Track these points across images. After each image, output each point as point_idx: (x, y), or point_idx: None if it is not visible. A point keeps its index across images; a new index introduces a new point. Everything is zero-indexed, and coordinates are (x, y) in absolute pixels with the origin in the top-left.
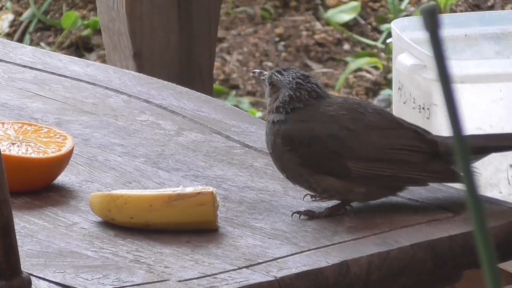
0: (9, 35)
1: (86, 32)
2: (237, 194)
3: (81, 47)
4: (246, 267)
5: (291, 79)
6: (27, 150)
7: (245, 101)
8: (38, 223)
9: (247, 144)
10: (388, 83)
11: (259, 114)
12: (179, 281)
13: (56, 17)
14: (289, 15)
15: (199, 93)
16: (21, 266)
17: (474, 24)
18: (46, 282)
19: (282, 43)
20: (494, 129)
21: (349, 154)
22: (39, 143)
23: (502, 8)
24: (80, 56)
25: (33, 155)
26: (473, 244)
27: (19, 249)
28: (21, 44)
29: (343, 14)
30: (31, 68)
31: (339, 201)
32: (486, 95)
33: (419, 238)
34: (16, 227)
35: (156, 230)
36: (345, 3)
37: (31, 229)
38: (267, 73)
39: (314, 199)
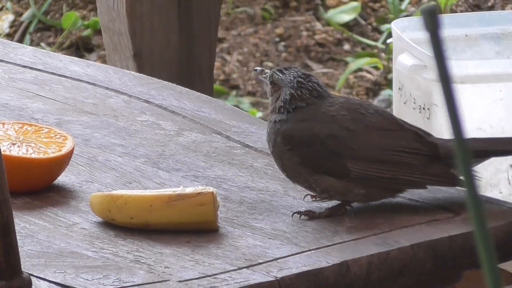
0: (9, 36)
1: (86, 32)
2: (238, 194)
3: (81, 48)
4: (247, 267)
5: (292, 78)
6: (27, 150)
7: (246, 101)
8: (39, 224)
9: (247, 144)
10: (389, 83)
11: (259, 114)
12: (180, 281)
13: (56, 17)
14: (289, 15)
15: (199, 93)
16: (22, 266)
17: (475, 24)
18: (47, 283)
19: (283, 43)
20: (494, 129)
21: (348, 155)
22: (40, 144)
23: (502, 8)
24: (81, 56)
25: (33, 156)
26: (473, 244)
27: (20, 249)
28: (21, 44)
29: (343, 15)
30: (31, 68)
31: (339, 202)
32: (486, 95)
33: (419, 238)
34: (16, 227)
35: (156, 230)
36: (345, 3)
37: (31, 230)
38: (268, 71)
39: (314, 199)
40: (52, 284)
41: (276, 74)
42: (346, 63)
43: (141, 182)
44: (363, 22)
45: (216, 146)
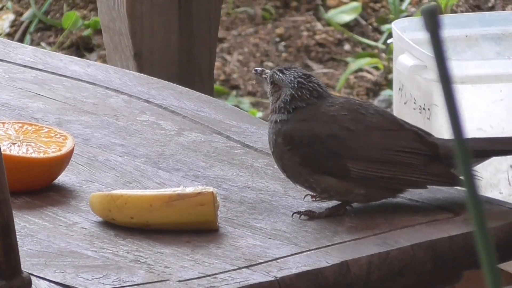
0: (9, 35)
1: (86, 32)
2: (238, 194)
3: (81, 47)
4: (246, 267)
5: (292, 78)
6: (27, 150)
7: (246, 101)
8: (39, 223)
9: (247, 144)
10: (389, 84)
11: (259, 114)
12: (179, 281)
13: (56, 17)
14: (289, 16)
15: (199, 93)
16: (21, 266)
17: (475, 24)
18: (46, 282)
19: (283, 43)
20: (495, 129)
21: (348, 155)
22: (40, 143)
23: (503, 8)
24: (81, 56)
25: (33, 155)
26: (473, 245)
27: (19, 249)
28: (21, 44)
29: (343, 15)
30: (31, 68)
31: (339, 202)
32: (486, 95)
33: (419, 238)
34: (16, 227)
35: (156, 230)
36: (345, 3)
37: (31, 229)
38: (269, 71)
39: (314, 199)
40: (52, 284)
41: (277, 74)
42: (346, 63)
43: (141, 182)
44: (363, 22)
45: (216, 146)
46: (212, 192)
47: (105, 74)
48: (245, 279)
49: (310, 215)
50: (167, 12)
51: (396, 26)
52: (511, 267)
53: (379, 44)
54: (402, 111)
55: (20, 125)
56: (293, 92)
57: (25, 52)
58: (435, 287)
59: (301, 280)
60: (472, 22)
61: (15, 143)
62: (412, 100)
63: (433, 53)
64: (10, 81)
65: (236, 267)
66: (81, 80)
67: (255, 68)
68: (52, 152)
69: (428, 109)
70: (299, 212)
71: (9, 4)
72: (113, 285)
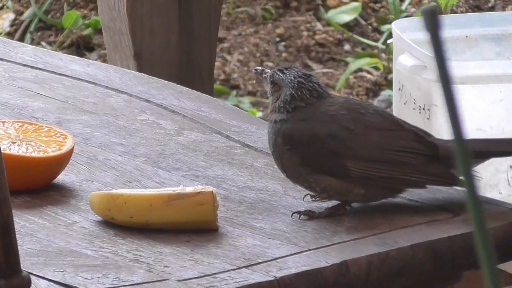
0: (10, 34)
1: (87, 31)
2: (237, 194)
3: (82, 47)
4: (246, 267)
5: (292, 78)
6: (27, 149)
7: (246, 101)
8: (38, 222)
9: (247, 144)
10: (389, 84)
11: (259, 114)
12: (179, 280)
13: (57, 16)
14: (289, 16)
15: (199, 92)
16: (21, 265)
17: (475, 25)
18: (46, 281)
19: (283, 43)
20: (494, 130)
21: (348, 154)
22: (40, 142)
23: (503, 9)
24: (81, 55)
25: (33, 154)
26: (473, 245)
27: (19, 248)
28: (22, 43)
29: (343, 15)
30: (31, 67)
31: (339, 202)
32: (486, 96)
33: (418, 238)
34: (16, 226)
35: (156, 229)
36: (345, 3)
37: (31, 228)
38: (269, 71)
39: (314, 199)
40: (51, 283)
41: (277, 74)
42: (346, 63)
43: (141, 181)
44: (363, 22)
45: (216, 145)
46: (212, 191)
47: (105, 73)
48: (244, 278)
49: (310, 215)
50: (167, 12)
51: (396, 26)
52: (511, 268)
53: (379, 44)
54: (402, 111)
55: (20, 124)
56: (293, 92)
57: (25, 51)
58: (434, 287)
59: (300, 280)
60: (472, 22)
61: (15, 142)
62: (412, 100)
63: (433, 53)
64: (10, 80)
65: (235, 267)
66: (81, 80)
67: (255, 67)
68: (52, 151)
69: (428, 109)
70: (298, 212)
71: (10, 3)
72: (113, 284)
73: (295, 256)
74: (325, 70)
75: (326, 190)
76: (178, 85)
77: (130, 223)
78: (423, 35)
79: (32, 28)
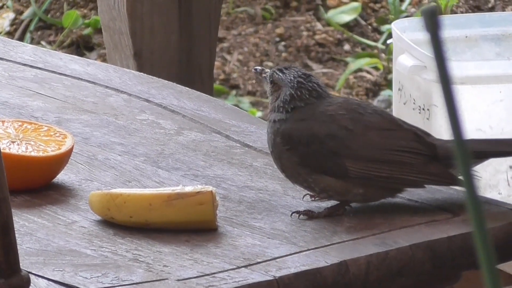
0: (10, 34)
1: (87, 31)
2: (237, 193)
3: (81, 46)
4: (245, 266)
5: (292, 78)
6: (27, 148)
7: (245, 100)
8: (38, 222)
9: (247, 143)
10: (388, 84)
11: (259, 113)
12: (178, 280)
13: (57, 16)
14: (289, 16)
15: (199, 92)
16: (20, 264)
17: (475, 25)
18: (45, 281)
19: (283, 43)
20: (494, 130)
21: (347, 154)
22: (39, 142)
23: (503, 9)
24: (81, 55)
25: (33, 154)
26: (472, 245)
27: (18, 247)
28: (21, 42)
29: (343, 15)
30: (31, 66)
31: (338, 202)
32: (486, 96)
33: (418, 238)
34: (15, 225)
35: (155, 229)
36: (345, 3)
37: (30, 228)
38: (269, 71)
39: (313, 199)
40: (50, 282)
41: (277, 73)
42: (346, 63)
43: (140, 181)
44: (363, 22)
45: (216, 145)
46: (211, 191)
47: (105, 73)
48: (243, 278)
49: (309, 214)
50: (167, 12)
51: (396, 26)
52: (510, 268)
53: (379, 44)
54: (402, 111)
55: (19, 123)
56: (293, 92)
57: (25, 50)
58: (433, 287)
59: (299, 280)
60: (472, 22)
61: (15, 142)
62: (412, 100)
63: (433, 53)
64: (10, 79)
65: (234, 267)
66: (81, 79)
67: (255, 67)
68: (51, 150)
69: (428, 109)
70: (298, 212)
71: (9, 2)
72: (112, 283)
73: (294, 256)
74: (325, 70)
75: (325, 190)
76: (178, 85)
77: (130, 223)
78: (423, 35)
79: (32, 27)
